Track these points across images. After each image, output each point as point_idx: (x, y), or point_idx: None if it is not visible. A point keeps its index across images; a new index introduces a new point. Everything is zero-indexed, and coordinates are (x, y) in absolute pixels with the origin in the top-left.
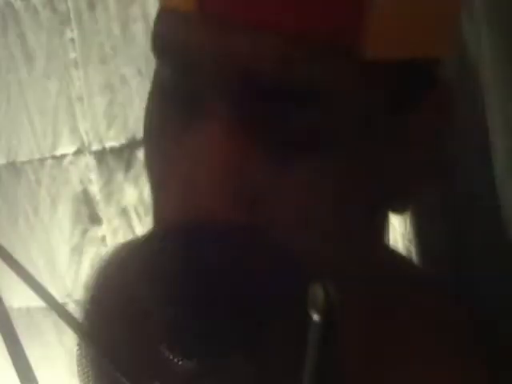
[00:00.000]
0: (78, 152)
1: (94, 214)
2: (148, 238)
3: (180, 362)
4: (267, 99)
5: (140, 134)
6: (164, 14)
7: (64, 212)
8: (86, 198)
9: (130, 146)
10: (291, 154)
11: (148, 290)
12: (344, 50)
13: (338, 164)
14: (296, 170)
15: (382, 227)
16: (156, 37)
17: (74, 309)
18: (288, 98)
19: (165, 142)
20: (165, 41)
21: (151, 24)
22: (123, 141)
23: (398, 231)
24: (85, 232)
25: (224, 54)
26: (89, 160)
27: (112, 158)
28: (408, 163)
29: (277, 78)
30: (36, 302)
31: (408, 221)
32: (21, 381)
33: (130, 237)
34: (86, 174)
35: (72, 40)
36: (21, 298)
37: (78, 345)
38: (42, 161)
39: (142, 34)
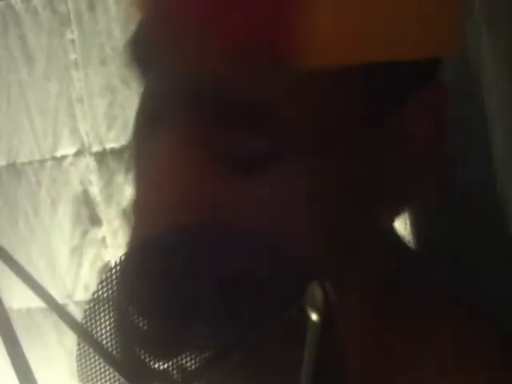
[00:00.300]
0: (79, 153)
1: (94, 215)
2: (148, 239)
3: (177, 363)
4: (223, 113)
5: None
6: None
7: (64, 213)
8: (86, 200)
9: None
10: (254, 165)
11: (147, 291)
12: (279, 61)
13: (325, 166)
14: (265, 177)
15: (383, 226)
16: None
17: (74, 310)
18: (242, 111)
19: (138, 150)
20: (135, 50)
21: None
22: (123, 142)
23: (398, 231)
24: (85, 233)
25: (176, 69)
26: (89, 161)
27: (112, 160)
28: (406, 164)
29: (223, 93)
30: (36, 303)
31: (408, 221)
32: (20, 382)
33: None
34: (87, 175)
35: (72, 41)
36: (21, 299)
37: (78, 345)
38: (42, 162)
39: None
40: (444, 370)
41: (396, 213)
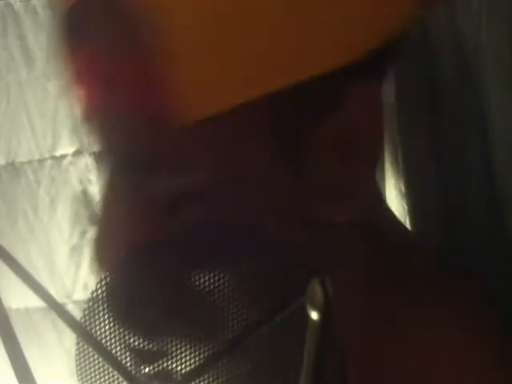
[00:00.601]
0: (78, 153)
1: (93, 214)
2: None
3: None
4: (143, 166)
5: None
6: None
7: (63, 212)
8: (85, 199)
9: None
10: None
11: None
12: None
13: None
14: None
15: (364, 217)
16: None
17: (72, 309)
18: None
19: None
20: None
21: None
22: None
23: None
24: (84, 233)
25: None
26: (88, 161)
27: None
28: (344, 165)
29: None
30: (35, 302)
31: (407, 221)
32: (19, 381)
33: None
34: (86, 174)
35: None
36: (19, 298)
37: (77, 345)
38: (41, 161)
39: None
40: (446, 358)
41: (343, 211)
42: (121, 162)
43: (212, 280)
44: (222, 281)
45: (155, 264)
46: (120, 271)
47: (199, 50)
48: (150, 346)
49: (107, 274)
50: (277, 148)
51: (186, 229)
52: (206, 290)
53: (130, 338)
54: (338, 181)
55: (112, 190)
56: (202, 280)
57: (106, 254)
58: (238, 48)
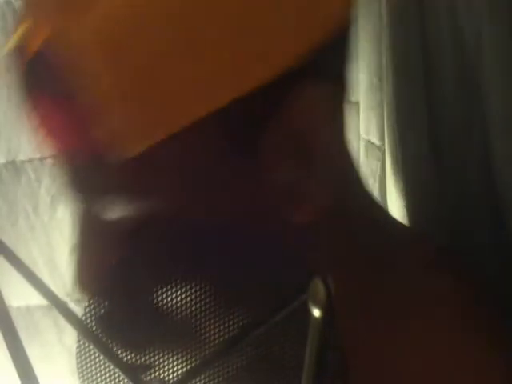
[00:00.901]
0: None
1: None
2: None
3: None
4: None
5: None
6: None
7: (64, 211)
8: None
9: None
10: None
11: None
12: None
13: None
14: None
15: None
16: None
17: (73, 308)
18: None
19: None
20: None
21: None
22: None
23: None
24: None
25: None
26: None
27: None
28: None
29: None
30: (36, 300)
31: (407, 221)
32: (20, 379)
33: None
34: None
35: None
36: (21, 296)
37: (78, 343)
38: (42, 160)
39: None
40: (446, 358)
41: (308, 212)
42: (84, 194)
43: (212, 281)
44: (220, 282)
45: (136, 281)
46: (98, 294)
47: (121, 95)
48: (143, 360)
49: (89, 297)
50: (230, 155)
51: (155, 247)
52: (206, 291)
53: (122, 354)
54: (294, 182)
55: (82, 219)
56: (200, 282)
57: (83, 278)
58: (164, 82)
